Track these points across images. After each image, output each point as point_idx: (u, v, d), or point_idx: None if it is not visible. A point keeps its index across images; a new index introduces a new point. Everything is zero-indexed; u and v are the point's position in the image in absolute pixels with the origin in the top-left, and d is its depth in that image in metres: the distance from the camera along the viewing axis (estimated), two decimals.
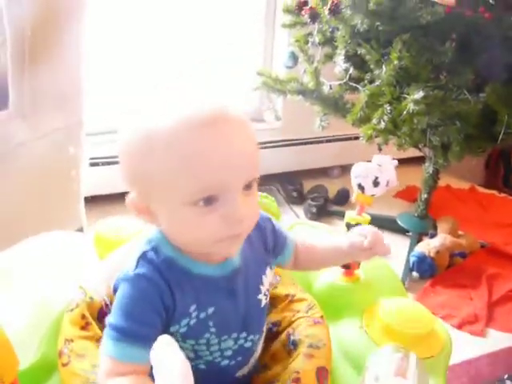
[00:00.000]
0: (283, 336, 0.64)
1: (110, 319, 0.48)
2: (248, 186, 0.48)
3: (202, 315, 0.51)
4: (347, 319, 0.69)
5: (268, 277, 0.59)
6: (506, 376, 1.13)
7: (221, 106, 0.48)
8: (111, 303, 0.64)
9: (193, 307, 0.50)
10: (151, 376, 0.42)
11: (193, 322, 0.51)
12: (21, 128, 1.01)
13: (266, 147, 1.89)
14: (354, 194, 0.76)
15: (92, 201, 1.51)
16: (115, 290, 0.51)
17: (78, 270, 0.71)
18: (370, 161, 0.75)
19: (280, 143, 1.93)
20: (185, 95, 0.51)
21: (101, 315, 0.63)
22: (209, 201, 0.46)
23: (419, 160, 1.72)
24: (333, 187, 1.94)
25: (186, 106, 0.47)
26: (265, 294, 0.58)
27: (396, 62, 1.03)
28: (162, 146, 0.45)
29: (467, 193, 2.09)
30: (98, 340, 0.59)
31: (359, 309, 0.70)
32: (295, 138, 1.97)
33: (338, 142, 2.04)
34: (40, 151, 1.06)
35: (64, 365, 0.55)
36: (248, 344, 0.56)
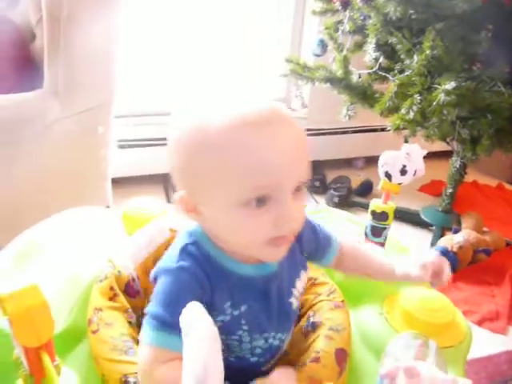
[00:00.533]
0: (304, 318, 0.65)
1: (150, 308, 0.49)
2: (298, 189, 0.48)
3: (236, 312, 0.52)
4: (368, 305, 0.70)
5: (302, 280, 0.59)
6: None
7: (276, 106, 0.48)
8: (138, 278, 0.66)
9: (228, 304, 0.51)
10: None
11: (227, 318, 0.52)
12: (54, 106, 1.03)
13: None
14: (381, 182, 0.76)
15: (118, 182, 1.54)
16: (155, 279, 0.51)
17: (106, 244, 0.73)
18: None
19: (305, 132, 1.92)
20: (238, 93, 0.50)
21: (128, 289, 0.65)
22: (261, 201, 0.46)
23: (445, 154, 1.70)
24: (356, 179, 1.93)
25: (242, 104, 0.47)
26: (296, 297, 0.58)
27: (428, 51, 1.01)
28: (217, 144, 0.45)
29: (494, 190, 2.05)
30: (125, 311, 0.62)
31: (380, 296, 0.71)
32: (320, 128, 1.96)
33: (364, 133, 2.02)
34: (71, 129, 1.09)
35: (93, 332, 0.58)
36: (277, 342, 0.56)
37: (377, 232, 0.76)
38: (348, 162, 2.11)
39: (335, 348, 0.58)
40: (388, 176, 0.74)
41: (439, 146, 1.62)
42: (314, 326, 0.62)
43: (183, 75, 1.75)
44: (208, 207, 0.49)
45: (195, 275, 0.49)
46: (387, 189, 0.76)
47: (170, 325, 0.47)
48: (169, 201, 1.59)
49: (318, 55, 1.52)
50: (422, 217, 1.61)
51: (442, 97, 0.93)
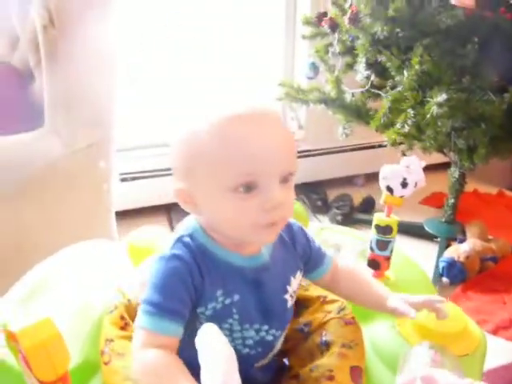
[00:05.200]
0: (315, 336, 0.64)
1: (143, 295, 0.52)
2: (285, 180, 0.52)
3: (228, 301, 0.54)
4: (379, 319, 0.69)
5: (297, 279, 0.60)
6: None
7: (261, 103, 0.53)
8: None
9: (219, 292, 0.53)
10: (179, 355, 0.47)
11: (219, 306, 0.53)
12: (56, 144, 1.05)
13: None
14: (383, 196, 0.77)
15: (121, 215, 1.55)
16: None
17: (114, 276, 0.73)
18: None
19: (303, 153, 1.94)
20: (229, 98, 0.56)
21: None
22: (248, 188, 0.49)
23: (444, 166, 1.71)
24: (357, 195, 1.94)
25: (230, 104, 0.53)
26: (291, 295, 0.59)
27: (417, 66, 1.04)
28: (206, 136, 0.50)
29: (495, 197, 2.06)
30: None
31: None
32: (318, 148, 1.98)
33: (362, 150, 2.04)
34: (73, 166, 1.10)
35: (106, 363, 0.58)
36: (269, 337, 0.58)
37: (383, 245, 0.77)
38: (348, 180, 2.12)
39: (350, 366, 0.58)
40: (390, 190, 0.75)
41: (437, 158, 1.63)
42: (327, 345, 0.62)
43: (180, 105, 1.78)
44: (202, 195, 0.52)
45: (186, 263, 0.52)
46: (389, 202, 0.76)
47: (162, 308, 0.49)
48: (173, 230, 1.59)
49: (310, 78, 1.55)
50: (426, 229, 1.61)
51: (434, 109, 0.95)
